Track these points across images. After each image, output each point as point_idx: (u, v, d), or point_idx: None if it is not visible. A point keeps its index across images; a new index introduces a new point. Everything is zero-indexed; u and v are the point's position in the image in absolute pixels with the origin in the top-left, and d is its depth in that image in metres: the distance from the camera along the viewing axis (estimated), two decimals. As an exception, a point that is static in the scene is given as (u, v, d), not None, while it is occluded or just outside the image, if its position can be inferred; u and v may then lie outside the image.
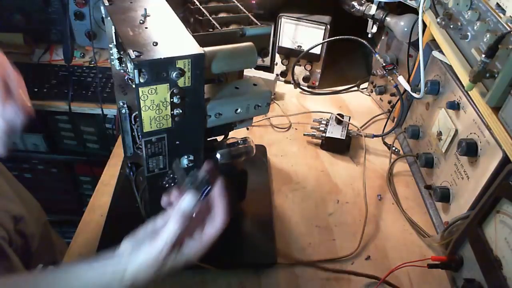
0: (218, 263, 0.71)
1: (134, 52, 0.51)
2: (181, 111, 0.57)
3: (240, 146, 0.73)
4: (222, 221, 0.51)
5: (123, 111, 0.71)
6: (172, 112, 0.57)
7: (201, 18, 0.68)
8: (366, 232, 0.82)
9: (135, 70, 0.50)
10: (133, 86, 0.53)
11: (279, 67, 1.25)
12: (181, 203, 0.49)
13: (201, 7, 0.69)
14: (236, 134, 0.74)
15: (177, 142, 0.60)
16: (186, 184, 0.50)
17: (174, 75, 0.53)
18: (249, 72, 1.11)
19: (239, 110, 0.64)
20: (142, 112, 0.54)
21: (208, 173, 0.51)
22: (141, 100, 0.53)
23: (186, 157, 0.63)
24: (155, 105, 0.55)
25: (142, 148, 0.59)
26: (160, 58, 0.51)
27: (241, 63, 0.62)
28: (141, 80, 0.51)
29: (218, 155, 0.70)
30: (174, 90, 0.54)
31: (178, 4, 0.71)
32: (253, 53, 0.61)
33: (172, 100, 0.55)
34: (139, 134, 0.71)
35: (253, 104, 0.65)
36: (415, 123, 0.99)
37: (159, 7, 0.62)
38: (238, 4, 0.72)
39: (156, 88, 0.53)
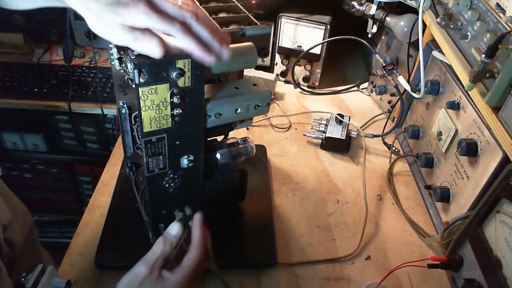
0: (218, 263, 0.71)
1: (134, 52, 0.51)
2: (181, 111, 0.57)
3: (240, 146, 0.73)
4: (197, 253, 0.57)
5: (123, 111, 0.71)
6: (172, 112, 0.56)
7: (201, 18, 0.67)
8: (366, 232, 0.82)
9: (135, 70, 0.50)
10: (133, 86, 0.53)
11: (279, 67, 1.25)
12: (168, 230, 0.59)
13: (201, 7, 0.69)
14: (236, 134, 0.74)
15: (177, 142, 0.60)
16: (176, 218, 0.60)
17: (174, 75, 0.53)
18: (249, 72, 1.11)
19: (239, 110, 0.64)
20: (142, 112, 0.54)
21: (193, 212, 0.60)
22: (141, 100, 0.53)
23: (186, 157, 0.63)
24: (155, 105, 0.54)
25: (142, 148, 0.59)
26: (160, 58, 0.51)
27: (241, 63, 0.62)
28: (141, 80, 0.51)
29: (218, 155, 0.70)
30: (174, 90, 0.54)
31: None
32: (253, 53, 0.61)
33: (172, 100, 0.55)
34: (139, 134, 0.71)
35: (253, 104, 0.65)
36: (415, 123, 0.99)
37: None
38: (238, 4, 0.72)
39: (156, 88, 0.53)
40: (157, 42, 0.46)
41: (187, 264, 0.56)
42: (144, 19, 0.46)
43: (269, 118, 1.11)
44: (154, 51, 0.47)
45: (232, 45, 0.60)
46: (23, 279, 0.62)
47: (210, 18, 0.52)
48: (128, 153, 0.78)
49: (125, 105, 0.71)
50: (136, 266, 0.55)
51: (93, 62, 1.35)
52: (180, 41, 0.48)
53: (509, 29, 0.57)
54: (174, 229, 0.59)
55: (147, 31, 0.46)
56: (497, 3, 0.62)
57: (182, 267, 0.56)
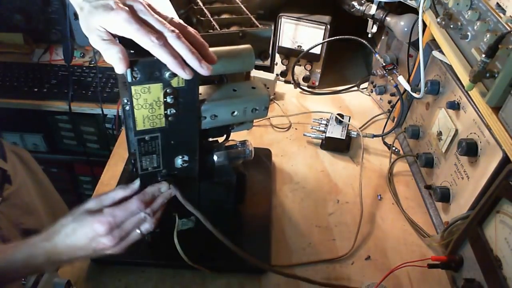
0: (214, 266, 0.71)
1: (128, 50, 0.50)
2: (174, 111, 0.57)
3: (238, 149, 0.72)
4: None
5: (127, 107, 0.71)
6: (165, 112, 0.56)
7: (202, 18, 0.67)
8: (366, 232, 0.82)
9: (127, 68, 0.50)
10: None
11: (279, 67, 1.25)
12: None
13: (203, 7, 0.69)
14: (237, 135, 0.74)
15: (171, 142, 0.60)
16: None
17: (167, 75, 0.52)
18: (249, 72, 1.11)
19: (235, 113, 0.63)
20: (135, 110, 0.54)
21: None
22: (133, 99, 0.53)
23: (180, 157, 0.63)
24: (148, 104, 0.54)
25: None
26: (153, 57, 0.50)
27: (238, 65, 0.61)
28: (135, 78, 0.51)
29: (214, 157, 0.69)
30: (168, 90, 0.54)
31: (182, 4, 0.71)
32: (251, 56, 0.60)
33: (165, 99, 0.55)
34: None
35: (250, 107, 0.63)
36: (415, 123, 0.99)
37: (160, 7, 0.62)
38: (242, 5, 0.71)
39: (149, 87, 0.53)
40: (120, 57, 0.48)
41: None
42: (124, 26, 0.48)
43: (269, 118, 1.11)
44: (116, 65, 0.49)
45: (230, 47, 0.60)
46: (23, 279, 0.63)
47: (199, 37, 0.54)
48: (132, 150, 0.78)
49: (129, 102, 0.71)
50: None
51: (93, 62, 1.35)
52: (155, 54, 0.49)
53: (509, 29, 0.57)
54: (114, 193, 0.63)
55: (118, 45, 0.49)
56: (497, 3, 0.62)
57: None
